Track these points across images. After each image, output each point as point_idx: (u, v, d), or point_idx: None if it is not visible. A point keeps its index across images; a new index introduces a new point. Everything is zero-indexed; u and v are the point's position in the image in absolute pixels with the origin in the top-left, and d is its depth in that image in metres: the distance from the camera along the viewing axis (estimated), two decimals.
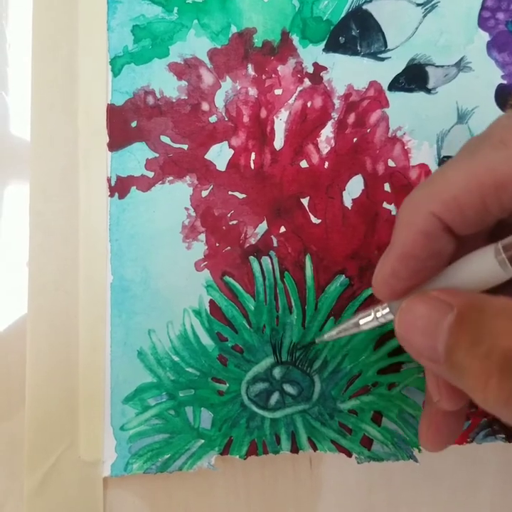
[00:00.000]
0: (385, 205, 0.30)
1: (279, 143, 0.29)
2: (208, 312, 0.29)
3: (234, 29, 0.29)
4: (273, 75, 0.29)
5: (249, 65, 0.29)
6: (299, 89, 0.30)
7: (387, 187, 0.30)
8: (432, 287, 0.22)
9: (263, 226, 0.29)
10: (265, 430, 0.29)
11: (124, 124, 0.29)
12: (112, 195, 0.29)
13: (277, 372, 0.29)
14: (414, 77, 0.30)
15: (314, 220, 0.29)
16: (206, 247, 0.29)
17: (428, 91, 0.30)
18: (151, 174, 0.29)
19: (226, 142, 0.29)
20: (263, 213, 0.29)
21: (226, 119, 0.29)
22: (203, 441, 0.29)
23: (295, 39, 0.30)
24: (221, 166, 0.29)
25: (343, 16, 0.30)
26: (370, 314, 0.24)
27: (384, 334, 0.29)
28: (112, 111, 0.29)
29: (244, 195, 0.29)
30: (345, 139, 0.30)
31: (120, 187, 0.29)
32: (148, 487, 0.29)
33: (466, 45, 0.30)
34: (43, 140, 0.29)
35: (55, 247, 0.29)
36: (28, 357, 0.28)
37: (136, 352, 0.28)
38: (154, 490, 0.29)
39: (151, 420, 0.29)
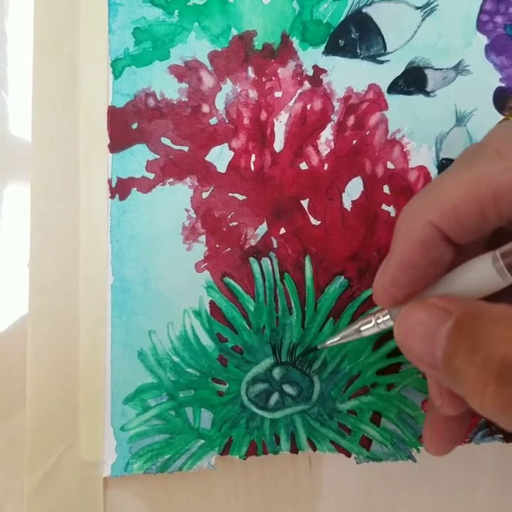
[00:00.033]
0: (384, 206, 0.30)
1: (279, 145, 0.30)
2: (208, 313, 0.29)
3: (234, 32, 0.29)
4: (273, 78, 0.30)
5: (250, 68, 0.29)
6: (299, 91, 0.30)
7: (386, 189, 0.30)
8: (431, 294, 0.22)
9: (263, 227, 0.29)
10: (265, 430, 0.29)
11: (124, 126, 0.29)
12: (112, 197, 0.29)
13: (277, 372, 0.29)
14: (413, 80, 0.30)
15: (314, 221, 0.30)
16: (206, 248, 0.29)
17: (427, 94, 0.30)
18: (151, 176, 0.29)
19: (226, 144, 0.29)
20: (263, 215, 0.29)
21: (226, 121, 0.29)
22: (203, 441, 0.29)
23: (295, 42, 0.30)
24: (221, 167, 0.29)
25: (342, 19, 0.30)
26: (370, 321, 0.25)
27: (383, 335, 0.30)
28: (113, 113, 0.29)
29: (244, 197, 0.29)
30: (344, 141, 0.30)
31: (121, 188, 0.29)
32: (148, 487, 0.29)
33: (465, 48, 0.30)
34: (44, 141, 0.29)
35: (56, 248, 0.29)
36: (28, 357, 0.28)
37: (137, 352, 0.29)
38: (154, 490, 0.29)
39: (152, 420, 0.29)
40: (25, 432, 0.28)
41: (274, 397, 0.29)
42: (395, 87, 0.30)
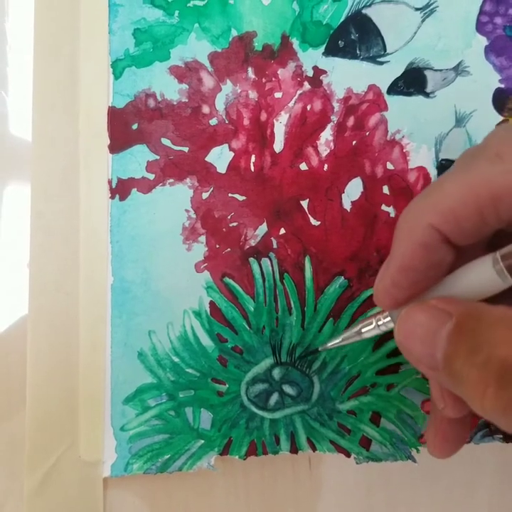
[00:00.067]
0: (384, 207, 0.30)
1: (278, 145, 0.30)
2: (208, 313, 0.29)
3: (234, 33, 0.29)
4: (273, 79, 0.30)
5: (250, 69, 0.30)
6: (299, 92, 0.30)
7: (385, 189, 0.30)
8: (432, 296, 0.22)
9: (263, 228, 0.29)
10: (265, 431, 0.29)
11: (124, 127, 0.29)
12: (112, 197, 0.29)
13: (277, 373, 0.29)
14: (412, 81, 0.30)
15: (314, 222, 0.30)
16: (206, 248, 0.29)
17: (426, 95, 0.30)
18: (151, 176, 0.29)
19: (226, 145, 0.29)
20: (263, 215, 0.29)
21: (226, 121, 0.29)
22: (202, 441, 0.29)
23: (295, 43, 0.30)
24: (221, 168, 0.29)
25: (342, 20, 0.30)
26: (371, 322, 0.25)
27: (382, 336, 0.30)
28: (113, 113, 0.29)
29: (244, 198, 0.29)
30: (344, 141, 0.30)
31: (121, 189, 0.29)
32: (148, 487, 0.29)
33: (465, 50, 0.31)
34: (44, 141, 0.29)
35: (56, 248, 0.29)
36: (28, 357, 0.28)
37: (137, 353, 0.29)
38: (154, 490, 0.29)
39: (151, 421, 0.29)
40: (25, 432, 0.28)
41: (274, 398, 0.29)
42: (394, 88, 0.30)
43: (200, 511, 0.30)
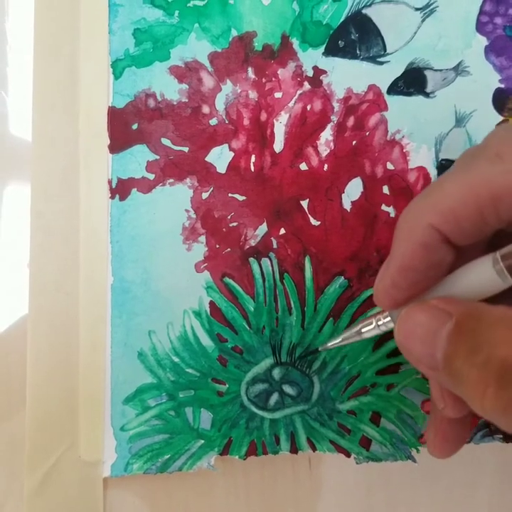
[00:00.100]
0: (384, 207, 0.30)
1: (279, 145, 0.30)
2: (208, 313, 0.29)
3: (234, 33, 0.29)
4: (273, 79, 0.30)
5: (250, 69, 0.30)
6: (299, 92, 0.30)
7: (385, 189, 0.30)
8: (432, 296, 0.22)
9: (263, 228, 0.29)
10: (264, 431, 0.29)
11: (124, 127, 0.29)
12: (112, 197, 0.29)
13: (277, 373, 0.29)
14: (412, 81, 0.30)
15: (314, 222, 0.30)
16: (206, 248, 0.29)
17: (426, 95, 0.30)
18: (151, 176, 0.29)
19: (226, 145, 0.29)
20: (263, 215, 0.29)
21: (226, 121, 0.29)
22: (202, 441, 0.29)
23: (295, 43, 0.30)
24: (221, 168, 0.29)
25: (342, 20, 0.30)
26: (371, 322, 0.25)
27: (382, 335, 0.30)
28: (113, 113, 0.29)
29: (244, 198, 0.29)
30: (344, 141, 0.30)
31: (121, 189, 0.29)
32: (148, 487, 0.29)
33: (465, 50, 0.31)
34: (44, 141, 0.29)
35: (56, 248, 0.29)
36: (28, 357, 0.28)
37: (137, 353, 0.29)
38: (154, 490, 0.29)
39: (151, 421, 0.29)
40: (25, 432, 0.28)
41: (274, 398, 0.29)
42: (394, 88, 0.30)
43: (200, 511, 0.30)
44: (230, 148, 0.29)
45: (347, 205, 0.30)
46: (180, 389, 0.29)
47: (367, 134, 0.30)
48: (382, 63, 0.30)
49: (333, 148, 0.30)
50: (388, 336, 0.29)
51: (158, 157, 0.29)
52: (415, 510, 0.31)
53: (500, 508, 0.31)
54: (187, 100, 0.29)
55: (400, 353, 0.30)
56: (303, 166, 0.30)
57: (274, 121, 0.30)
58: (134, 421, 0.29)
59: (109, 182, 0.29)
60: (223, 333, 0.29)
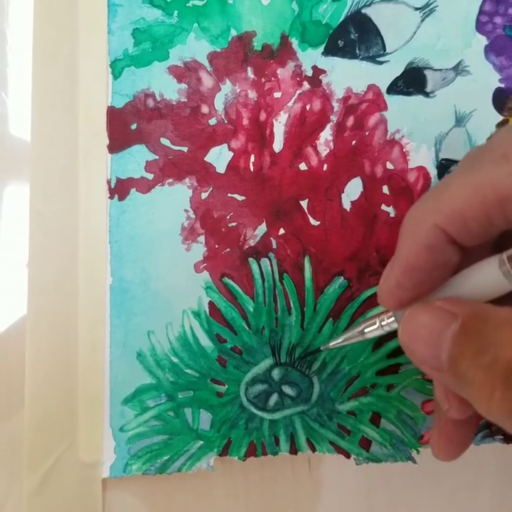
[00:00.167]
0: (384, 207, 0.30)
1: (278, 145, 0.30)
2: (207, 314, 0.29)
3: (233, 32, 0.29)
4: (272, 78, 0.30)
5: (249, 68, 0.29)
6: (298, 92, 0.30)
7: (385, 189, 0.30)
8: (437, 297, 0.22)
9: (262, 228, 0.29)
10: (264, 431, 0.29)
11: (124, 127, 0.29)
12: (111, 197, 0.29)
13: (276, 373, 0.29)
14: (412, 81, 0.30)
15: (313, 222, 0.30)
16: (205, 248, 0.29)
17: (426, 94, 0.30)
18: (150, 176, 0.29)
19: (226, 145, 0.29)
20: (262, 215, 0.29)
21: (226, 121, 0.29)
22: (201, 442, 0.29)
23: (294, 42, 0.30)
24: (221, 168, 0.29)
25: (342, 19, 0.30)
26: (374, 323, 0.24)
27: (382, 336, 0.29)
28: (112, 113, 0.29)
29: (243, 198, 0.29)
30: (344, 141, 0.30)
31: (120, 189, 0.29)
32: (147, 488, 0.29)
33: (464, 49, 0.30)
34: (44, 141, 0.29)
35: (55, 248, 0.29)
36: (27, 357, 0.28)
37: (136, 353, 0.29)
38: (153, 491, 0.29)
39: (150, 421, 0.29)
40: (24, 433, 0.28)
41: (274, 398, 0.29)
42: (394, 88, 0.30)
43: None
44: (230, 148, 0.29)
45: (347, 205, 0.30)
46: (180, 389, 0.29)
47: (366, 133, 0.30)
48: (381, 63, 0.30)
49: (332, 148, 0.30)
50: (388, 336, 0.29)
51: (157, 157, 0.29)
52: (415, 511, 0.31)
53: (501, 508, 0.31)
54: (186, 100, 0.29)
55: (400, 354, 0.30)
56: (302, 166, 0.30)
57: (274, 121, 0.30)
58: (133, 422, 0.29)
59: (108, 182, 0.29)
60: (222, 333, 0.29)
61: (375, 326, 0.24)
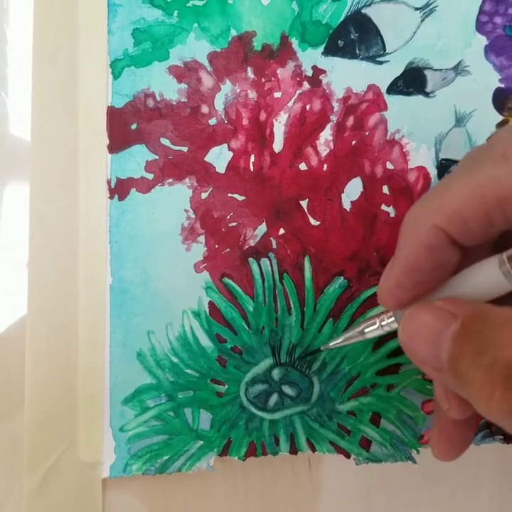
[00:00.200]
0: (384, 207, 0.30)
1: (278, 145, 0.30)
2: (207, 313, 0.29)
3: (233, 32, 0.29)
4: (272, 78, 0.30)
5: (249, 68, 0.29)
6: (298, 92, 0.30)
7: (385, 189, 0.30)
8: (437, 297, 0.22)
9: (262, 228, 0.29)
10: (264, 431, 0.29)
11: (124, 127, 0.29)
12: (111, 197, 0.29)
13: (276, 373, 0.29)
14: (412, 81, 0.30)
15: (313, 222, 0.30)
16: (205, 248, 0.29)
17: (426, 94, 0.30)
18: (150, 176, 0.29)
19: (226, 145, 0.29)
20: (262, 215, 0.29)
21: (226, 121, 0.29)
22: (201, 442, 0.29)
23: (294, 42, 0.30)
24: (221, 168, 0.29)
25: (342, 19, 0.30)
26: (374, 323, 0.24)
27: (382, 336, 0.29)
28: (112, 113, 0.29)
29: (243, 198, 0.29)
30: (344, 141, 0.30)
31: (120, 189, 0.29)
32: (147, 488, 0.29)
33: (464, 49, 0.30)
34: (44, 141, 0.29)
35: (55, 248, 0.29)
36: (27, 357, 0.28)
37: (136, 353, 0.29)
38: (153, 491, 0.29)
39: (150, 421, 0.29)
40: (24, 433, 0.28)
41: (274, 398, 0.29)
42: (394, 88, 0.30)
43: None
44: (229, 148, 0.29)
45: (347, 205, 0.30)
46: (180, 389, 0.29)
47: (366, 133, 0.30)
48: (381, 63, 0.30)
49: (332, 148, 0.30)
50: (388, 336, 0.29)
51: (157, 157, 0.29)
52: (415, 511, 0.31)
53: (501, 508, 0.31)
54: (186, 100, 0.29)
55: (400, 354, 0.30)
56: (302, 166, 0.30)
57: (274, 121, 0.30)
58: (133, 422, 0.29)
59: (108, 182, 0.29)
60: (222, 333, 0.29)
61: (375, 326, 0.24)
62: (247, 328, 0.29)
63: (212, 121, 0.29)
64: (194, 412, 0.29)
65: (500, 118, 0.30)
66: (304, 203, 0.30)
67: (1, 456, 0.29)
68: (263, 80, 0.30)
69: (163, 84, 0.29)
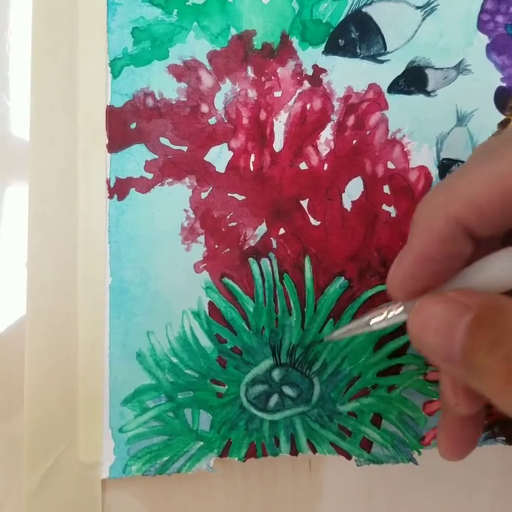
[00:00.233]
0: (385, 207, 0.30)
1: (278, 145, 0.29)
2: (207, 314, 0.29)
3: (233, 31, 0.29)
4: (272, 77, 0.29)
5: (249, 67, 0.29)
6: (299, 91, 0.30)
7: (386, 189, 0.30)
8: (448, 289, 0.21)
9: (262, 228, 0.29)
10: (264, 432, 0.29)
11: (123, 126, 0.29)
12: (111, 197, 0.29)
13: (276, 374, 0.29)
14: (413, 80, 0.30)
15: (313, 222, 0.29)
16: (205, 248, 0.29)
17: (427, 93, 0.30)
18: (150, 176, 0.29)
19: (225, 144, 0.29)
20: (262, 215, 0.29)
21: (225, 121, 0.29)
22: (201, 443, 0.29)
23: (295, 41, 0.30)
24: (220, 167, 0.29)
25: (342, 18, 0.30)
26: (381, 313, 0.24)
27: (383, 336, 0.29)
28: (112, 113, 0.29)
29: (243, 197, 0.29)
30: (344, 141, 0.30)
31: (119, 188, 0.29)
32: (147, 489, 0.29)
33: (466, 48, 0.30)
34: (43, 140, 0.29)
35: (54, 248, 0.29)
36: (26, 358, 0.28)
37: (135, 353, 0.28)
38: (153, 492, 0.29)
39: (150, 422, 0.29)
40: (24, 433, 0.28)
41: (274, 399, 0.29)
42: (395, 87, 0.30)
43: None
44: (229, 148, 0.29)
45: (347, 205, 0.30)
46: (179, 390, 0.29)
47: (367, 133, 0.30)
48: (382, 62, 0.30)
49: (333, 147, 0.30)
50: (389, 336, 0.29)
51: (156, 156, 0.29)
52: None
53: (503, 510, 0.31)
54: (186, 99, 0.29)
55: (401, 354, 0.29)
56: (303, 166, 0.29)
57: (274, 120, 0.29)
58: (132, 422, 0.28)
59: (108, 181, 0.29)
60: (222, 333, 0.29)
61: (382, 317, 0.24)
62: (247, 329, 0.29)
63: (212, 121, 0.29)
64: (194, 413, 0.29)
65: (502, 117, 0.30)
66: (304, 203, 0.29)
67: (0, 456, 0.28)
68: (263, 79, 0.29)
69: (162, 84, 0.29)
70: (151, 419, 0.29)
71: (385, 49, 0.30)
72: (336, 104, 0.30)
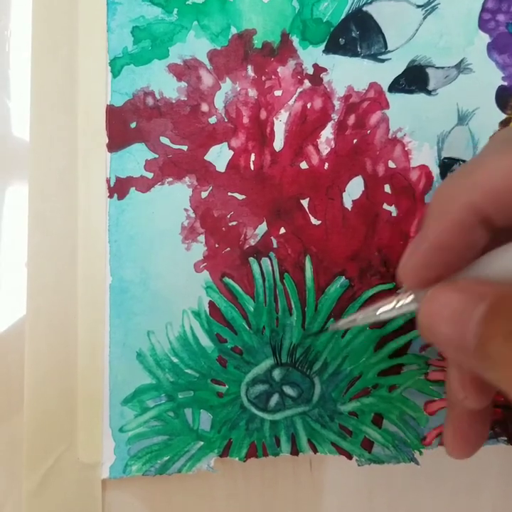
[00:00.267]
0: (386, 206, 0.30)
1: (278, 144, 0.29)
2: (208, 313, 0.29)
3: (234, 30, 0.29)
4: (273, 77, 0.29)
5: (249, 66, 0.29)
6: (299, 90, 0.29)
7: (387, 188, 0.30)
8: (463, 277, 0.21)
9: (263, 227, 0.29)
10: (265, 432, 0.29)
11: (123, 125, 0.29)
12: (111, 196, 0.29)
13: (277, 373, 0.29)
14: (414, 79, 0.30)
15: (314, 221, 0.29)
16: (205, 248, 0.29)
17: (428, 92, 0.30)
18: (150, 175, 0.29)
19: (226, 143, 0.29)
20: (263, 214, 0.29)
21: (226, 120, 0.29)
22: (202, 443, 0.29)
23: (295, 40, 0.30)
24: (221, 167, 0.29)
25: (343, 17, 0.30)
26: (391, 301, 0.23)
27: (384, 336, 0.29)
28: (112, 112, 0.29)
29: (243, 196, 0.29)
30: (345, 140, 0.30)
31: (119, 188, 0.29)
32: (147, 489, 0.29)
33: (467, 47, 0.30)
34: (43, 140, 0.29)
35: (54, 248, 0.29)
36: (26, 358, 0.28)
37: (135, 353, 0.28)
38: (153, 492, 0.29)
39: (150, 422, 0.28)
40: (24, 433, 0.28)
41: (274, 399, 0.29)
42: (396, 86, 0.30)
43: None
44: (230, 147, 0.29)
45: (348, 204, 0.29)
46: (180, 390, 0.29)
47: (368, 132, 0.30)
48: (383, 61, 0.30)
49: (333, 146, 0.30)
50: (390, 336, 0.29)
51: (156, 156, 0.29)
52: None
53: (505, 510, 0.30)
54: (186, 98, 0.29)
55: (402, 354, 0.29)
56: (303, 165, 0.29)
57: (274, 119, 0.29)
58: (132, 422, 0.28)
59: (108, 181, 0.29)
60: (223, 333, 0.29)
61: (391, 306, 0.23)
62: (248, 328, 0.29)
63: (212, 120, 0.29)
64: (194, 413, 0.29)
65: (503, 116, 0.30)
66: (304, 202, 0.29)
67: (0, 456, 0.28)
68: (263, 78, 0.29)
69: (162, 83, 0.29)
70: (151, 419, 0.28)
71: (386, 48, 0.30)
72: (337, 104, 0.30)
